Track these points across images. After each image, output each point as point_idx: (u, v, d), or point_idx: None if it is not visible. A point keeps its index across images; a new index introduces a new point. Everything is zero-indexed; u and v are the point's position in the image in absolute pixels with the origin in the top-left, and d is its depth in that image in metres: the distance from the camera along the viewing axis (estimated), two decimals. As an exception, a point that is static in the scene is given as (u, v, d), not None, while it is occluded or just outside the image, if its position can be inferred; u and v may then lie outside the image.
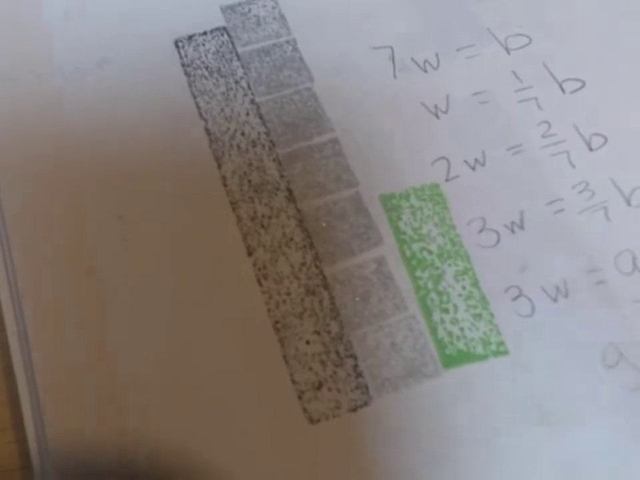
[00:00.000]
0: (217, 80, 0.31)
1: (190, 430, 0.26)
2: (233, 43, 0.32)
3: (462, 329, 0.27)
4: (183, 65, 0.32)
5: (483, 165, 0.30)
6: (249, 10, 0.33)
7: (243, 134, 0.30)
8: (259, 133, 0.30)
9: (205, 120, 0.31)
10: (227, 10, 0.33)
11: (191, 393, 0.26)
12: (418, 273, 0.28)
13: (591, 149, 0.30)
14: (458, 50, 0.32)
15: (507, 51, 0.32)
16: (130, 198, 0.29)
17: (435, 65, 0.32)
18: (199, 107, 0.31)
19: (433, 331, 0.27)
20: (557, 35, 0.32)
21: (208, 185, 0.30)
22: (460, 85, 0.32)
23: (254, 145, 0.30)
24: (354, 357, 0.27)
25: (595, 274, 0.28)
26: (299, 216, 0.29)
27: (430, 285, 0.28)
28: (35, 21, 0.32)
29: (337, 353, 0.27)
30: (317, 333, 0.27)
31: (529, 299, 0.28)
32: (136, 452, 0.26)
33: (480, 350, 0.27)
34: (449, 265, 0.28)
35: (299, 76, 0.32)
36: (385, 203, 0.29)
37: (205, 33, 0.32)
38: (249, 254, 0.29)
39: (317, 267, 0.28)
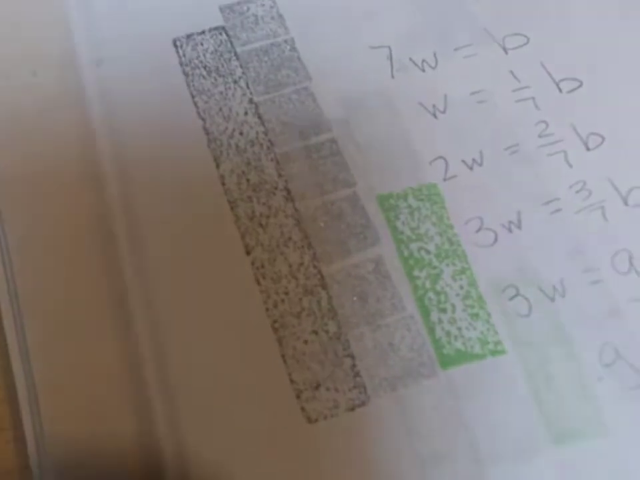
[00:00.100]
0: (215, 79, 0.31)
1: (187, 429, 0.26)
2: (231, 42, 0.32)
3: (459, 329, 0.27)
4: (181, 64, 0.32)
5: (481, 164, 0.30)
6: (247, 9, 0.33)
7: (241, 133, 0.30)
8: (257, 133, 0.30)
9: (203, 119, 0.31)
10: (226, 9, 0.33)
11: (188, 391, 0.26)
12: (416, 273, 0.28)
13: (588, 149, 0.30)
14: (456, 49, 0.32)
15: (505, 50, 0.32)
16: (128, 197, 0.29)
17: (432, 64, 0.32)
18: (197, 106, 0.31)
19: (431, 331, 0.27)
20: (554, 34, 0.32)
21: (206, 184, 0.30)
22: (458, 84, 0.32)
23: (252, 144, 0.30)
24: (352, 356, 0.27)
25: (591, 273, 0.28)
26: (297, 215, 0.29)
27: (428, 285, 0.28)
28: (35, 21, 0.32)
29: (335, 352, 0.27)
30: (315, 332, 0.27)
31: (526, 299, 0.28)
32: (135, 452, 0.26)
33: (478, 349, 0.27)
34: (447, 265, 0.29)
35: (297, 75, 0.32)
36: (382, 203, 0.29)
37: (203, 32, 0.32)
38: (248, 253, 0.29)
39: (315, 266, 0.28)
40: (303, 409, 0.26)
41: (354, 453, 0.26)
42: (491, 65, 0.32)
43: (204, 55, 0.32)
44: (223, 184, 0.30)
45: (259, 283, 0.28)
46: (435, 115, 0.31)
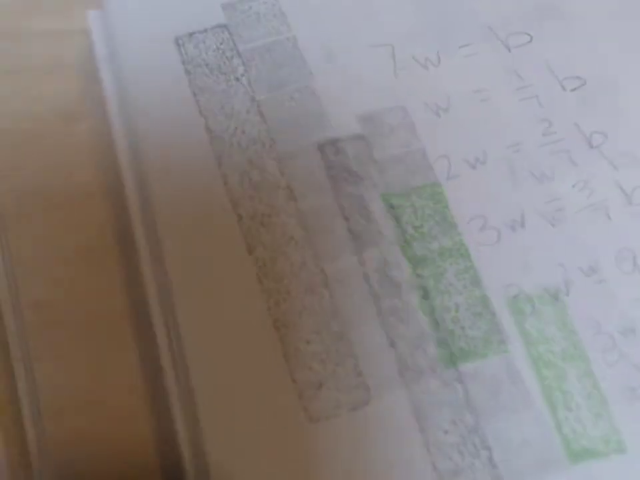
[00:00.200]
0: (217, 77, 0.31)
1: (189, 429, 0.26)
2: (233, 41, 0.32)
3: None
4: (183, 62, 0.31)
5: (484, 163, 0.30)
6: (250, 7, 0.33)
7: (243, 132, 0.30)
8: (259, 131, 0.30)
9: (205, 117, 0.31)
10: (228, 7, 0.33)
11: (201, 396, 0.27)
12: (419, 271, 0.28)
13: (591, 147, 0.30)
14: (459, 48, 0.32)
15: (508, 48, 0.32)
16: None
17: (435, 62, 0.32)
18: (199, 105, 0.31)
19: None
20: (557, 33, 0.32)
21: (208, 182, 0.30)
22: (461, 82, 0.32)
23: (254, 142, 0.30)
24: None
25: (595, 273, 0.28)
26: (299, 215, 0.29)
27: (431, 284, 0.28)
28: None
29: (337, 351, 0.27)
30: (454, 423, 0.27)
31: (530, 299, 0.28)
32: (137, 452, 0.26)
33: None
34: (450, 264, 0.28)
35: (299, 74, 0.32)
36: (386, 202, 0.29)
37: (205, 31, 0.32)
38: (249, 252, 0.28)
39: (317, 265, 0.28)
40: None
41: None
42: (494, 63, 0.32)
43: (206, 53, 0.32)
44: (225, 183, 0.30)
45: (261, 282, 0.28)
46: (437, 114, 0.31)
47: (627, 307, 0.29)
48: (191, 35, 0.32)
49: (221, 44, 0.32)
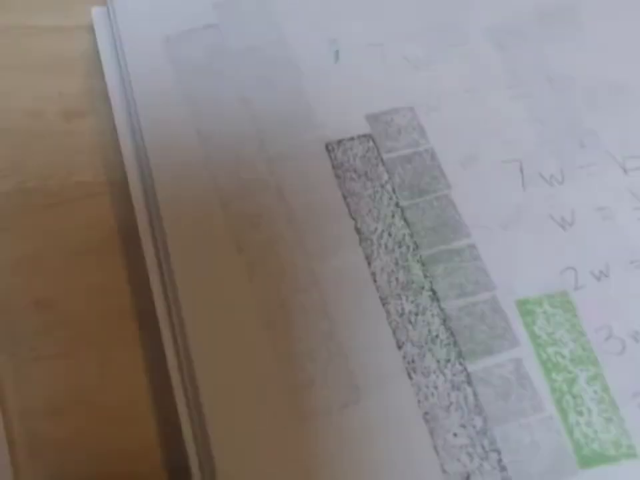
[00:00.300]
0: (365, 183, 0.34)
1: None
2: (377, 149, 0.35)
3: (595, 431, 0.30)
4: (333, 167, 0.35)
5: (607, 276, 0.33)
6: (392, 119, 0.36)
7: (389, 234, 0.33)
8: (403, 235, 0.33)
9: (355, 219, 0.34)
10: (371, 118, 0.36)
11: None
12: (553, 375, 0.31)
13: None
14: (580, 167, 0.36)
15: (625, 171, 0.36)
16: (288, 285, 0.32)
17: (560, 179, 0.35)
18: (349, 207, 0.34)
19: (569, 432, 0.30)
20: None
21: (359, 280, 0.32)
22: (583, 200, 0.35)
23: (400, 245, 0.33)
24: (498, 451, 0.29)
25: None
26: (443, 315, 0.32)
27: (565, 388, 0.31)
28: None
29: (482, 446, 0.30)
30: (463, 426, 0.30)
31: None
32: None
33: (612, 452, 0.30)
34: (581, 370, 0.31)
35: (438, 183, 0.35)
36: (520, 308, 0.32)
37: (352, 139, 0.35)
38: (399, 347, 0.31)
39: (460, 363, 0.31)
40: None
41: None
42: (612, 184, 0.35)
43: (354, 159, 0.35)
44: (375, 281, 0.32)
45: (410, 376, 0.31)
46: (563, 227, 0.34)
47: (638, 309, 0.32)
48: (339, 142, 0.35)
49: (367, 152, 0.35)
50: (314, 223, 0.33)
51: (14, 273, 0.32)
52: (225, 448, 0.29)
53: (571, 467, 0.29)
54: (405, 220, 0.34)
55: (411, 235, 0.33)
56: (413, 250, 0.33)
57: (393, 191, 0.34)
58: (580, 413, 0.30)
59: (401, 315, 0.32)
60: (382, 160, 0.35)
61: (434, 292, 0.32)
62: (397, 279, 0.32)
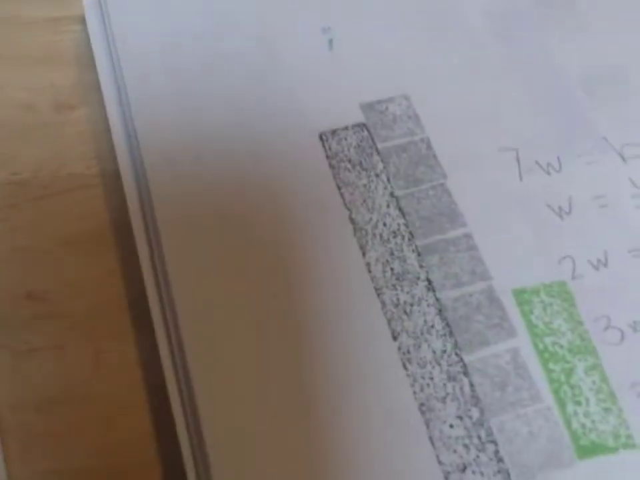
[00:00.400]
0: (359, 172, 0.34)
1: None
2: (372, 139, 0.35)
3: (593, 422, 0.30)
4: (327, 157, 0.34)
5: (605, 265, 0.33)
6: (386, 108, 0.36)
7: (384, 224, 0.33)
8: (398, 225, 0.33)
9: (349, 209, 0.33)
10: (366, 107, 0.36)
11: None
12: (551, 366, 0.31)
13: None
14: (578, 155, 0.35)
15: (623, 159, 0.35)
16: (282, 278, 0.32)
17: (557, 168, 0.35)
18: (343, 197, 0.33)
19: (568, 423, 0.30)
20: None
21: (353, 270, 0.32)
22: (581, 188, 0.34)
23: (395, 235, 0.33)
24: (495, 442, 0.29)
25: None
26: (439, 305, 0.31)
27: (562, 378, 0.30)
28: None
29: (479, 437, 0.29)
30: (459, 417, 0.29)
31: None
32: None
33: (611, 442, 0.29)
34: (579, 360, 0.31)
35: (433, 172, 0.34)
36: (517, 297, 0.32)
37: (346, 128, 0.35)
38: (394, 338, 0.31)
39: (457, 354, 0.31)
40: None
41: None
42: (610, 172, 0.35)
43: (348, 150, 0.34)
44: (369, 271, 0.32)
45: (405, 367, 0.30)
46: (561, 216, 0.34)
47: (637, 299, 0.32)
48: (333, 131, 0.35)
49: (361, 141, 0.35)
50: (307, 213, 0.33)
51: (6, 265, 0.32)
52: (218, 442, 0.28)
53: (569, 458, 0.29)
54: (400, 210, 0.33)
55: (406, 225, 0.33)
56: (408, 240, 0.33)
57: (388, 180, 0.34)
58: (578, 403, 0.30)
59: (396, 305, 0.31)
60: (377, 149, 0.35)
61: (429, 282, 0.32)
62: (392, 269, 0.32)
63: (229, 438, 0.28)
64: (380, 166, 0.34)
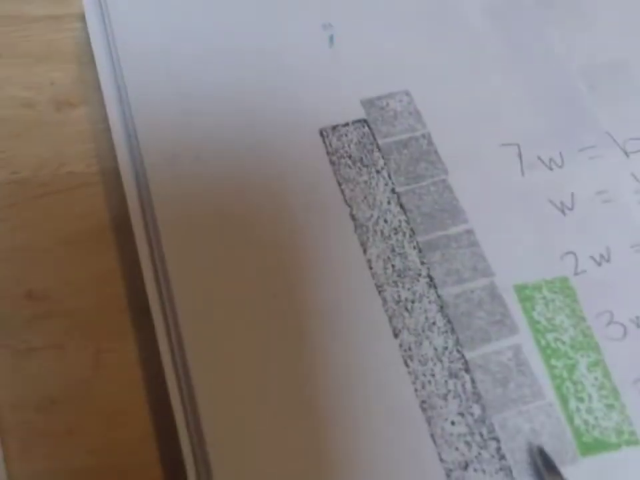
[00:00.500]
0: (360, 169, 0.34)
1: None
2: (373, 135, 0.35)
3: (596, 418, 0.29)
4: (327, 153, 0.34)
5: (608, 260, 0.32)
6: (387, 104, 0.35)
7: (385, 221, 0.33)
8: (400, 221, 0.33)
9: (350, 206, 0.33)
10: (367, 103, 0.35)
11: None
12: (553, 362, 0.30)
13: None
14: (580, 150, 0.35)
15: (626, 154, 0.35)
16: (282, 277, 0.31)
17: (559, 163, 0.35)
18: (343, 194, 0.33)
19: (570, 419, 0.29)
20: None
21: (354, 267, 0.32)
22: (583, 183, 0.34)
23: (396, 232, 0.33)
24: (497, 439, 0.29)
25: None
26: (440, 302, 0.31)
27: (565, 375, 0.30)
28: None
29: (481, 434, 0.29)
30: (461, 414, 0.29)
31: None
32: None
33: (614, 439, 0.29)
34: (582, 356, 0.31)
35: (435, 168, 0.34)
36: (519, 293, 0.32)
37: (347, 124, 0.35)
38: (395, 335, 0.31)
39: (458, 351, 0.30)
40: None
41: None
42: (613, 167, 0.35)
43: (349, 146, 0.34)
44: (370, 268, 0.32)
45: (407, 364, 0.30)
46: (563, 212, 0.34)
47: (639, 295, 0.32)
48: (334, 127, 0.35)
49: (362, 137, 0.35)
50: (307, 211, 0.33)
51: (6, 264, 0.32)
52: (218, 441, 0.28)
53: (571, 455, 0.29)
54: (401, 206, 0.33)
55: (408, 221, 0.33)
56: (410, 236, 0.32)
57: (389, 176, 0.34)
58: (580, 400, 0.30)
59: (398, 302, 0.31)
60: (377, 145, 0.34)
61: (431, 279, 0.32)
62: (393, 266, 0.32)
63: (229, 437, 0.28)
64: (381, 162, 0.34)
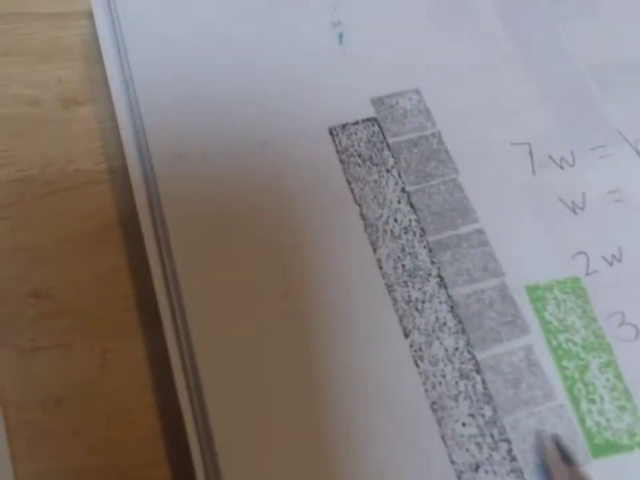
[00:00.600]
0: (370, 168, 0.34)
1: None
2: (383, 133, 0.34)
3: (608, 420, 0.29)
4: (337, 152, 0.34)
5: (620, 260, 0.32)
6: (397, 102, 0.35)
7: (395, 220, 0.32)
8: (410, 221, 0.33)
9: (360, 205, 0.33)
10: (377, 102, 0.35)
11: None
12: (565, 363, 0.30)
13: None
14: (592, 149, 0.34)
15: (637, 152, 0.34)
16: (292, 276, 0.31)
17: (570, 162, 0.34)
18: (353, 193, 0.33)
19: (581, 420, 0.29)
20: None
21: (364, 267, 0.32)
22: (595, 182, 0.34)
23: (406, 231, 0.32)
24: (508, 441, 0.29)
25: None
26: (450, 302, 0.31)
27: (576, 376, 0.30)
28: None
29: (492, 436, 0.29)
30: (472, 415, 0.29)
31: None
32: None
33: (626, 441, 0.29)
34: (593, 357, 0.30)
35: (445, 167, 0.34)
36: (530, 294, 0.31)
37: (357, 123, 0.34)
38: (405, 335, 0.30)
39: (469, 352, 0.30)
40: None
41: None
42: (625, 166, 0.34)
43: (358, 144, 0.34)
44: (380, 268, 0.31)
45: (417, 365, 0.30)
46: (574, 211, 0.33)
47: None
48: (344, 126, 0.34)
49: (372, 136, 0.34)
50: (317, 210, 0.32)
51: (12, 263, 0.31)
52: (227, 440, 0.28)
53: (583, 456, 0.29)
54: (412, 205, 0.33)
55: (418, 221, 0.32)
56: (420, 236, 0.32)
57: (399, 175, 0.33)
58: (592, 401, 0.29)
59: (408, 302, 0.31)
60: (387, 144, 0.34)
61: (441, 278, 0.31)
62: (403, 266, 0.31)
63: (237, 436, 0.28)
64: (391, 161, 0.34)
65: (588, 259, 0.32)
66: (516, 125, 0.35)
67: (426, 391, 0.29)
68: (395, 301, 0.31)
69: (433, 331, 0.30)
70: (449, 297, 0.31)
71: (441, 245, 0.32)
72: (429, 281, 0.31)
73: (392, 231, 0.32)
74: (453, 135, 0.35)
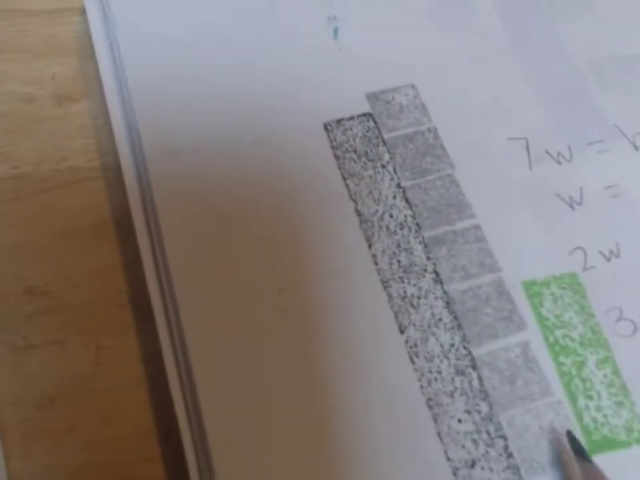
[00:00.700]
0: (365, 163, 0.33)
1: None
2: (378, 129, 0.34)
3: (605, 416, 0.29)
4: (332, 147, 0.33)
5: (618, 256, 0.32)
6: (393, 98, 0.35)
7: (391, 216, 0.32)
8: (405, 216, 0.32)
9: (355, 201, 0.32)
10: (372, 97, 0.35)
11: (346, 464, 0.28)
12: (562, 359, 0.30)
13: None
14: (589, 144, 0.34)
15: (635, 147, 0.34)
16: (286, 272, 0.31)
17: (568, 157, 0.34)
18: (348, 189, 0.33)
19: (579, 416, 0.29)
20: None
21: (359, 263, 0.31)
22: (592, 178, 0.34)
23: (401, 227, 0.32)
24: (504, 437, 0.28)
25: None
26: (446, 298, 0.31)
27: (573, 372, 0.30)
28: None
29: (488, 432, 0.28)
30: (468, 412, 0.29)
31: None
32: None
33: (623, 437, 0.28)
34: (591, 353, 0.30)
35: (441, 163, 0.34)
36: (527, 289, 0.31)
37: (352, 118, 0.34)
38: (401, 331, 0.30)
39: (465, 348, 0.30)
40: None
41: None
42: (623, 161, 0.34)
43: (353, 140, 0.34)
44: (376, 263, 0.31)
45: (412, 361, 0.29)
46: (572, 207, 0.33)
47: None
48: (339, 121, 0.34)
49: (367, 131, 0.34)
50: (312, 205, 0.32)
51: (5, 259, 0.31)
52: (220, 437, 0.28)
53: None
54: (407, 201, 0.33)
55: (413, 216, 0.32)
56: (415, 232, 0.32)
57: (395, 171, 0.33)
58: (589, 397, 0.29)
59: (403, 298, 0.31)
60: (383, 140, 0.34)
61: (437, 274, 0.31)
62: (398, 262, 0.31)
63: (231, 433, 0.28)
64: (386, 156, 0.34)
65: (585, 255, 0.32)
66: (513, 119, 0.35)
67: (422, 387, 0.29)
68: (390, 296, 0.31)
69: (429, 327, 0.30)
70: (445, 292, 0.30)
71: (436, 241, 0.32)
72: (424, 276, 0.31)
73: (387, 227, 0.32)
74: (449, 130, 0.34)
